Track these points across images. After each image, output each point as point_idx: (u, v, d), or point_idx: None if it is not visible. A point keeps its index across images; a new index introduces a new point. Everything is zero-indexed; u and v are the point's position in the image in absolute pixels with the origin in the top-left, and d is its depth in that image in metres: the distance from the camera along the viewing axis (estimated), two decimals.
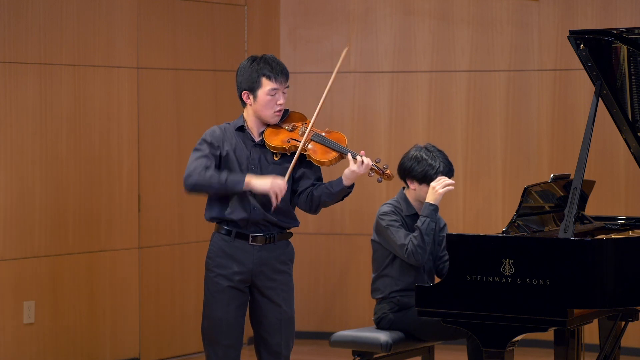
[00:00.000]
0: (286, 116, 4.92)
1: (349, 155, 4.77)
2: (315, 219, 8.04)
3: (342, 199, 4.88)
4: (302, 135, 4.81)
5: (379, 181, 4.87)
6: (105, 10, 7.07)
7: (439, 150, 5.66)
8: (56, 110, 6.85)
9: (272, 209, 4.76)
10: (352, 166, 4.75)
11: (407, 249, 5.52)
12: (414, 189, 5.66)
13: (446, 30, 7.95)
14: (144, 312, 7.29)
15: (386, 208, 5.69)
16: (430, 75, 8.00)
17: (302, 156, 4.83)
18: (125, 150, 7.17)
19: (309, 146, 4.80)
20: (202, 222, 7.40)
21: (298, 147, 4.79)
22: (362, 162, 4.74)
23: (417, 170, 5.62)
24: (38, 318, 6.77)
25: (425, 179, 5.60)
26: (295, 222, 4.95)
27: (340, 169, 4.89)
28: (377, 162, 4.84)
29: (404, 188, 5.77)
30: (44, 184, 6.79)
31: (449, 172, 5.65)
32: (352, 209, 8.08)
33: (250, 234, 4.82)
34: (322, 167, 4.89)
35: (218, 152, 4.83)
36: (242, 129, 4.87)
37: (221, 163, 4.84)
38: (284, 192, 4.72)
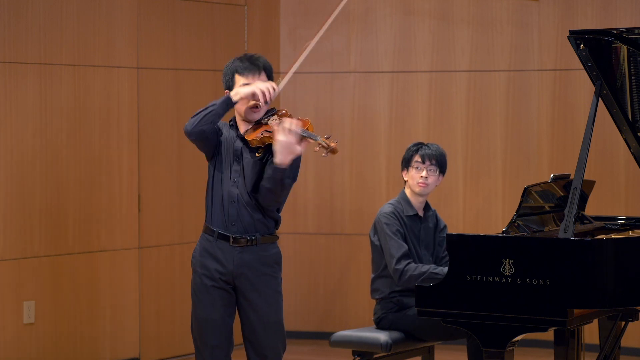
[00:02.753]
0: (272, 113, 4.83)
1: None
2: (315, 219, 8.04)
3: (281, 181, 4.65)
4: (274, 126, 4.68)
5: (324, 155, 4.59)
6: (105, 10, 7.07)
7: (430, 144, 5.75)
8: (56, 111, 6.85)
9: (260, 105, 4.66)
10: (277, 135, 4.60)
11: (400, 269, 5.54)
12: (407, 180, 5.72)
13: (446, 30, 7.95)
14: (144, 312, 7.29)
15: (387, 209, 5.70)
16: (430, 75, 8.00)
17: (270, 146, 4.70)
18: (125, 150, 7.17)
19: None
20: (202, 222, 7.41)
21: (270, 138, 4.66)
22: (285, 126, 4.56)
23: (403, 158, 5.74)
24: (38, 318, 6.77)
25: (407, 162, 5.71)
26: (276, 219, 4.85)
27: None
28: (326, 138, 4.59)
29: (404, 189, 5.79)
30: (44, 184, 6.79)
31: (424, 152, 5.68)
32: (352, 209, 8.08)
33: (232, 235, 4.77)
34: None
35: (217, 136, 4.82)
36: (232, 121, 4.88)
37: (216, 147, 4.82)
38: (271, 90, 4.64)
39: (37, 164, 6.77)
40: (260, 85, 4.68)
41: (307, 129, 4.61)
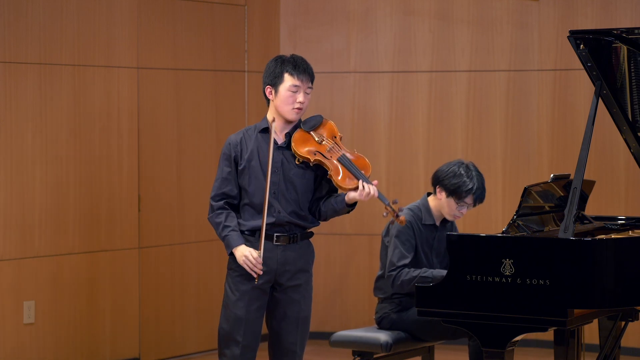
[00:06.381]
0: (319, 124, 4.92)
1: (359, 182, 4.77)
2: None
3: (348, 212, 4.91)
4: (329, 152, 4.82)
5: (392, 222, 4.89)
6: (105, 10, 7.07)
7: (479, 173, 5.60)
8: (56, 111, 6.85)
9: (255, 281, 4.82)
10: (357, 193, 4.77)
11: (393, 275, 5.51)
12: (440, 199, 5.60)
13: (446, 30, 7.95)
14: (144, 312, 7.29)
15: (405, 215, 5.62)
16: (430, 75, 8.00)
17: (324, 170, 4.84)
18: (125, 150, 7.17)
19: (334, 163, 4.80)
20: (202, 222, 7.42)
21: (321, 162, 4.81)
22: (369, 193, 4.75)
23: (450, 181, 5.55)
24: (38, 318, 6.77)
25: (454, 194, 5.53)
26: (315, 222, 4.96)
27: None
28: (394, 203, 4.78)
29: (428, 194, 5.72)
30: (44, 184, 6.79)
31: (479, 197, 5.58)
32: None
33: (275, 234, 4.84)
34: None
35: (235, 161, 4.87)
36: (266, 130, 4.89)
37: (244, 167, 4.86)
38: (258, 267, 4.77)
39: (37, 164, 6.76)
40: (246, 259, 4.78)
41: (368, 176, 4.82)
